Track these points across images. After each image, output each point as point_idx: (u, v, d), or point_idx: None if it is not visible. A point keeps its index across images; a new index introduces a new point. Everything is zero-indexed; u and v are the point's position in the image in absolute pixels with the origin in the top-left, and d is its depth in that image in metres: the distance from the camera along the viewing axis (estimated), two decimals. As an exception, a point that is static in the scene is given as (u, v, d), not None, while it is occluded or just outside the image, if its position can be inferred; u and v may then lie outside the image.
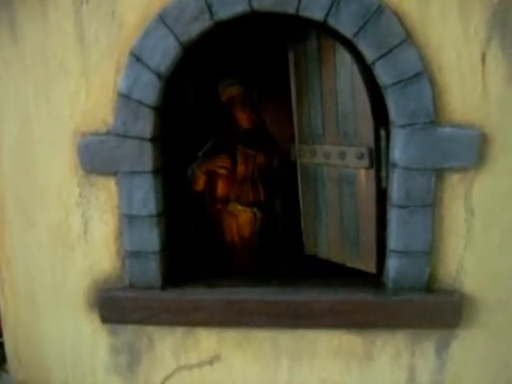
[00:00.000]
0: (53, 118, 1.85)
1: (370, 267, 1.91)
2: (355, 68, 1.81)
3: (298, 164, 2.13)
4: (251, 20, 1.78)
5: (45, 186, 1.91)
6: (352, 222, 1.96)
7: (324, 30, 1.84)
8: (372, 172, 1.84)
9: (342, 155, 1.91)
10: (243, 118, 2.27)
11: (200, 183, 2.29)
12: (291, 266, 2.16)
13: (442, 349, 1.86)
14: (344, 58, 1.84)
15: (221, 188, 2.36)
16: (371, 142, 1.83)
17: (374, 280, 1.91)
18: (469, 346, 1.85)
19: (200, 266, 2.14)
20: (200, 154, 2.34)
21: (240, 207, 2.30)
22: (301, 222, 2.20)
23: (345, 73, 1.86)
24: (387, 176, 1.83)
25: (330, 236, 2.07)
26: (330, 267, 2.07)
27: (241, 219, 2.32)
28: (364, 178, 1.87)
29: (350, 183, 1.93)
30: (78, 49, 1.78)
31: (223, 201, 2.36)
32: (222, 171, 2.28)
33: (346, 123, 1.90)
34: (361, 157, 1.84)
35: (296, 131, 2.10)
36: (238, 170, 2.29)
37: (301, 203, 2.17)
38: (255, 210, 2.31)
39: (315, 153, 2.03)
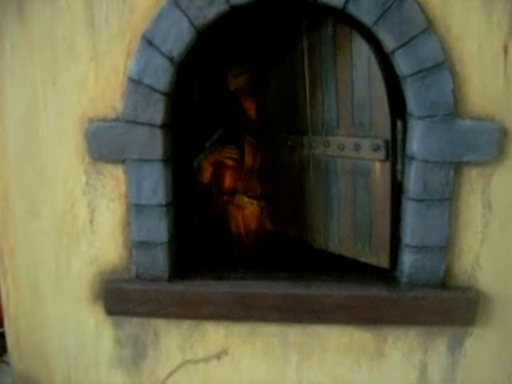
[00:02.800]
0: (60, 103, 1.80)
1: (383, 262, 1.86)
2: (372, 58, 1.76)
3: (310, 156, 2.07)
4: (265, 6, 1.74)
5: (50, 174, 1.86)
6: (365, 215, 1.91)
7: (339, 17, 1.80)
8: (388, 164, 1.80)
9: (357, 147, 1.86)
10: (252, 108, 2.22)
11: (207, 175, 2.24)
12: (300, 259, 2.11)
13: (455, 347, 1.83)
14: (360, 47, 1.79)
15: (228, 180, 2.31)
16: (388, 134, 1.78)
17: (386, 275, 1.87)
18: (483, 345, 1.81)
19: (205, 259, 2.09)
20: (207, 144, 2.29)
21: (247, 199, 2.26)
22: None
23: (361, 62, 1.80)
24: (403, 169, 1.79)
25: (341, 230, 2.01)
26: (338, 262, 2.02)
27: (247, 212, 2.28)
28: (379, 171, 1.82)
29: (364, 176, 1.88)
30: (87, 32, 1.73)
31: (230, 193, 2.32)
32: (230, 162, 2.23)
33: (362, 114, 1.85)
34: (377, 149, 1.79)
35: (308, 122, 2.05)
36: (246, 161, 2.24)
37: (310, 196, 2.11)
38: (262, 202, 2.26)
39: (328, 144, 1.97)
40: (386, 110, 1.75)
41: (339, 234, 2.02)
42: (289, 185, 2.19)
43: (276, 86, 2.15)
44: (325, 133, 1.99)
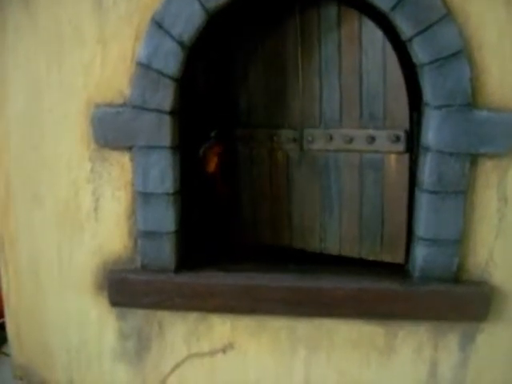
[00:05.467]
0: (65, 88, 1.74)
1: (398, 258, 1.82)
2: (388, 46, 1.71)
3: (304, 151, 1.91)
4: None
5: (53, 160, 1.80)
6: (375, 211, 1.84)
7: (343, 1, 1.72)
8: (406, 156, 1.75)
9: (370, 139, 1.79)
10: None
11: (212, 165, 2.20)
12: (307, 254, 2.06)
13: (466, 342, 1.79)
14: (374, 34, 1.72)
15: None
16: (406, 125, 1.73)
17: (398, 269, 1.83)
18: (495, 341, 1.78)
19: (210, 250, 2.05)
20: (212, 134, 2.24)
21: None
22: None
23: (374, 50, 1.74)
24: (416, 160, 1.75)
25: (344, 229, 1.91)
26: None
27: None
28: (395, 163, 1.77)
29: (375, 169, 1.81)
30: (94, 14, 1.67)
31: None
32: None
33: (373, 105, 1.78)
34: (396, 140, 1.73)
35: (301, 114, 1.89)
36: None
37: (299, 197, 1.97)
38: None
39: (331, 138, 1.85)
40: (405, 99, 1.70)
41: (341, 234, 1.93)
42: (268, 187, 2.03)
43: (259, 74, 1.96)
44: (324, 125, 1.87)
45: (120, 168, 1.76)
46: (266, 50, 1.92)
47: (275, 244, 2.05)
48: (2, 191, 1.88)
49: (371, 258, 1.89)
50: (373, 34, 1.73)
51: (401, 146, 1.75)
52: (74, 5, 1.68)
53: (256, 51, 1.94)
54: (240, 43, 1.95)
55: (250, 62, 1.96)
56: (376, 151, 1.79)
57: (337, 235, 1.94)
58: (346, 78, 1.81)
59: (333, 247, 1.96)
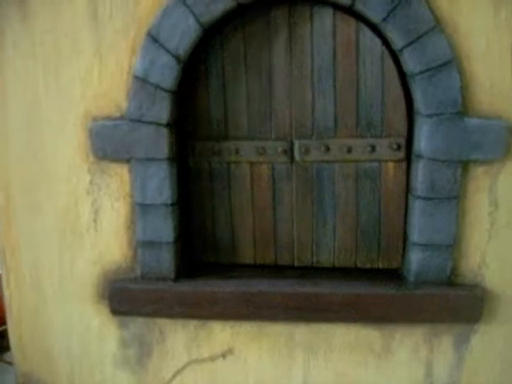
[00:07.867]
0: (62, 100, 1.77)
1: (395, 263, 1.87)
2: (386, 55, 1.73)
3: (295, 163, 1.86)
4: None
5: (53, 172, 1.84)
6: (372, 219, 1.87)
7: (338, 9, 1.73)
8: (404, 164, 1.79)
9: (370, 148, 1.79)
10: None
11: None
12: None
13: (460, 344, 1.83)
14: (372, 42, 1.73)
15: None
16: (405, 132, 1.77)
17: (393, 273, 1.87)
18: (488, 342, 1.82)
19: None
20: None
21: None
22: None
23: (371, 59, 1.75)
24: (410, 167, 1.79)
25: (338, 240, 1.91)
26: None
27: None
28: (392, 171, 1.81)
29: (372, 178, 1.83)
30: (91, 28, 1.70)
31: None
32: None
33: (371, 113, 1.79)
34: (397, 148, 1.77)
35: (288, 125, 1.84)
36: None
37: (285, 212, 1.91)
38: None
39: (327, 148, 1.81)
40: (403, 107, 1.74)
41: (335, 246, 1.92)
42: (250, 202, 1.93)
43: (241, 81, 1.83)
44: (317, 136, 1.82)
45: (119, 180, 1.79)
46: (250, 54, 1.81)
47: (258, 263, 1.98)
48: (3, 200, 1.91)
49: (368, 266, 1.92)
50: (371, 43, 1.75)
51: (401, 154, 1.78)
52: (71, 17, 1.71)
53: (238, 55, 1.81)
54: (220, 43, 1.80)
55: (229, 67, 1.82)
56: (376, 160, 1.81)
57: (331, 247, 1.93)
58: (342, 86, 1.80)
59: (326, 260, 1.94)
